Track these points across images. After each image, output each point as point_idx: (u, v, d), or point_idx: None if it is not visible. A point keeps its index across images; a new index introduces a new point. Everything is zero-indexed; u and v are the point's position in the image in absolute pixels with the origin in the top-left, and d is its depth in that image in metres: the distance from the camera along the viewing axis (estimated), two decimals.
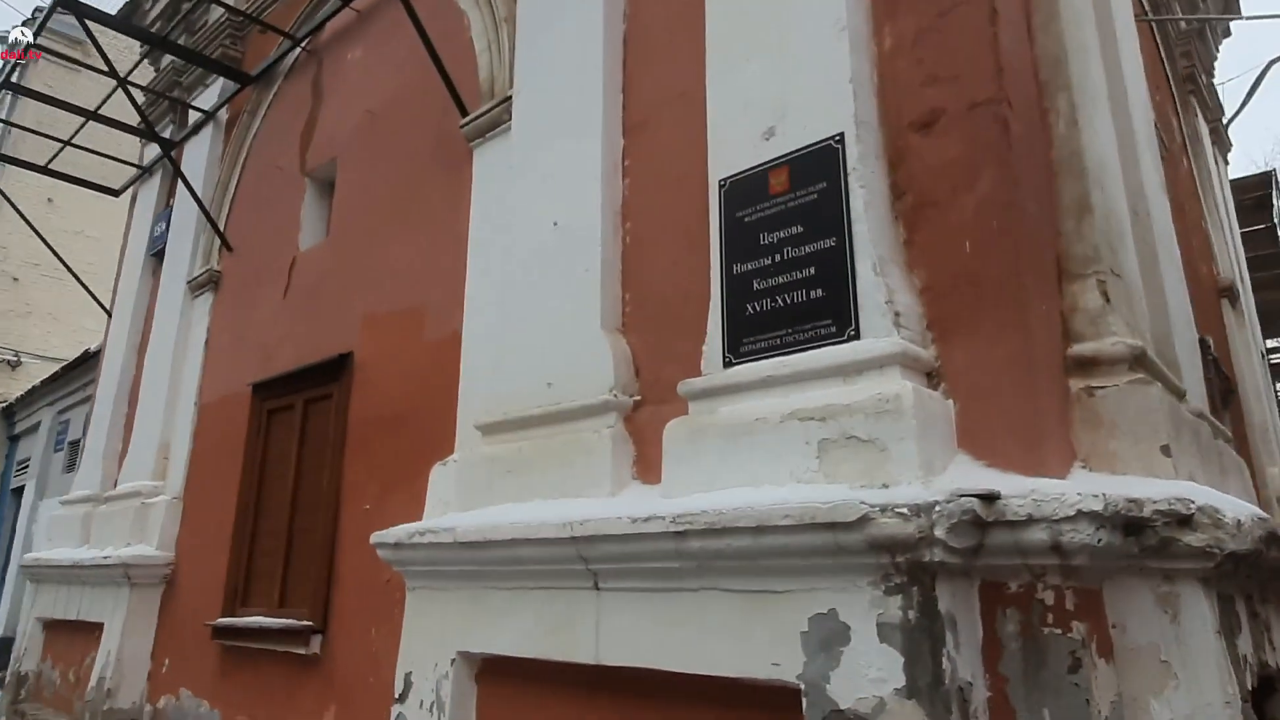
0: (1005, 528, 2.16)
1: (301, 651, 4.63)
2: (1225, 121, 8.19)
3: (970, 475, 2.36)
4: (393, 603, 3.97)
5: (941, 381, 2.52)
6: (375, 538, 3.64)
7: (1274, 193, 8.81)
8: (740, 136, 3.09)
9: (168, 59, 7.91)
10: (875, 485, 2.33)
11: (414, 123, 5.08)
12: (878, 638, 2.18)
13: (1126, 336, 2.56)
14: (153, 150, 8.23)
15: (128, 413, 7.39)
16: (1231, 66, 11.27)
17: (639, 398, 3.32)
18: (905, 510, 2.13)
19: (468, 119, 4.47)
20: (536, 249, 3.77)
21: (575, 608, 2.91)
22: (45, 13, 6.38)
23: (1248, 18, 6.71)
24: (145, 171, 8.31)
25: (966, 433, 2.45)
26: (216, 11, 7.34)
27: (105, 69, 6.45)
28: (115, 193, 8.64)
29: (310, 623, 4.62)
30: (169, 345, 6.76)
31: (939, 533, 2.11)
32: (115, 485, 6.92)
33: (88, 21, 6.18)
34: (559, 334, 3.53)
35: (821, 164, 2.81)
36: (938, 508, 2.12)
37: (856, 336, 2.59)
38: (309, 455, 5.16)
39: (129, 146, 9.05)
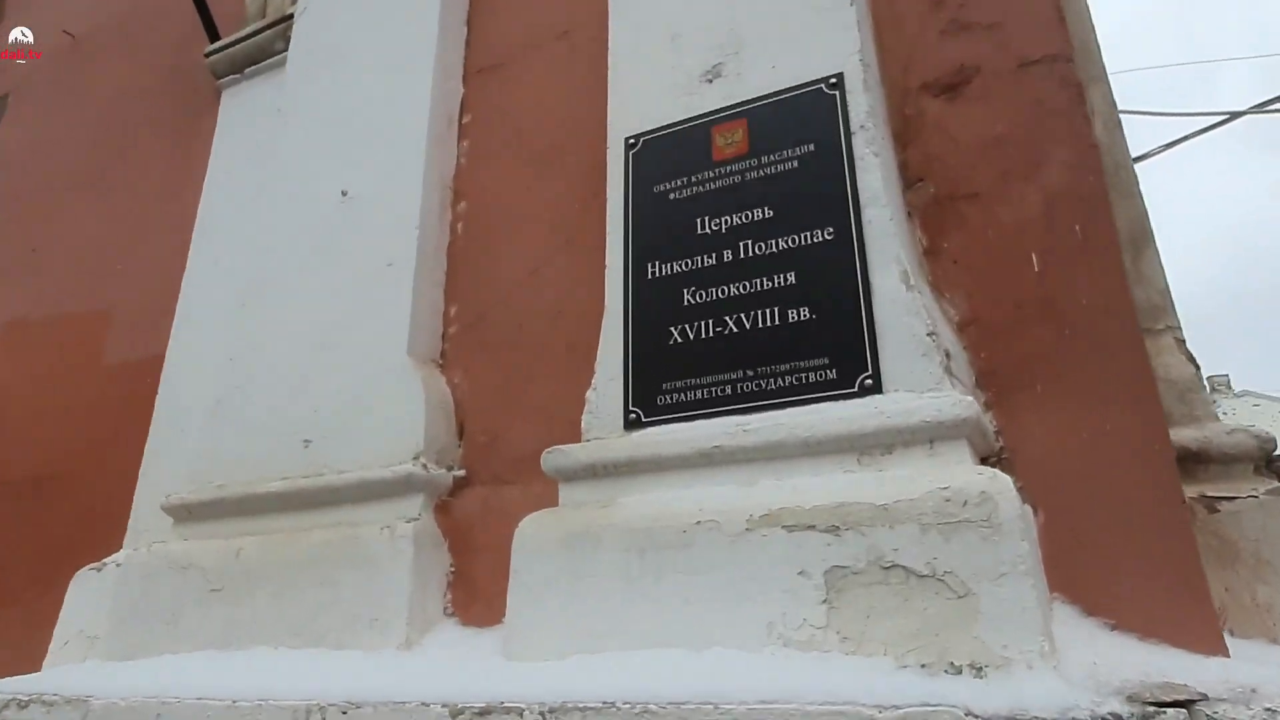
0: None
1: None
2: None
3: (1097, 646, 1.33)
4: None
5: (1007, 473, 1.50)
6: None
7: None
8: (664, 77, 2.01)
9: None
10: (950, 664, 1.23)
11: (133, 52, 3.51)
12: None
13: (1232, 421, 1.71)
14: None
15: None
16: None
17: (463, 472, 2.02)
18: None
19: (218, 46, 3.03)
20: (310, 231, 2.40)
21: None
22: None
23: None
24: None
25: (1059, 564, 1.43)
26: None
27: None
28: None
29: None
30: None
31: None
32: None
33: None
34: (335, 362, 2.16)
35: (807, 116, 1.78)
36: None
37: (876, 387, 1.52)
38: None
39: None
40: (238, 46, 2.97)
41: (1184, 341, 1.82)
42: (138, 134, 3.29)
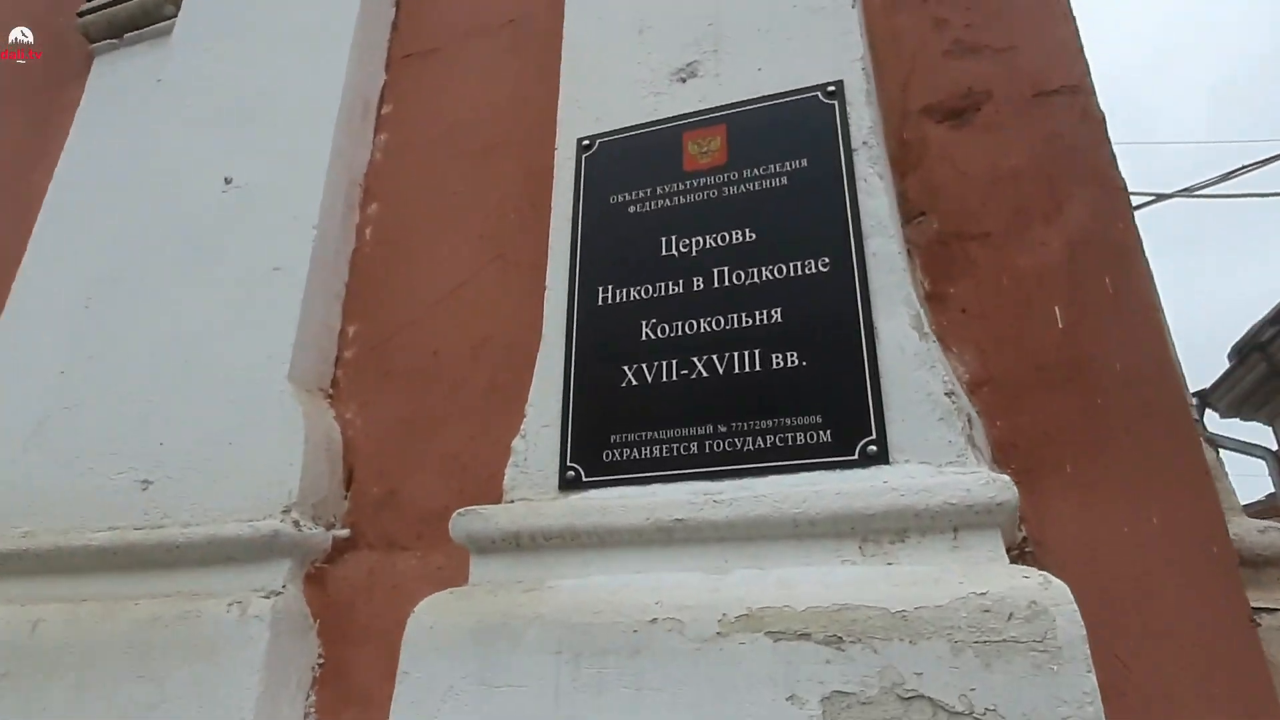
0: None
1: None
2: None
3: None
4: None
5: (1044, 571, 1.21)
6: None
7: None
8: (628, 73, 1.70)
9: None
10: None
11: None
12: None
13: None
14: None
15: None
16: None
17: (346, 532, 1.61)
18: None
19: (95, 5, 2.58)
20: (184, 222, 1.97)
21: None
22: None
23: None
24: None
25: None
26: None
27: None
28: None
29: None
30: None
31: None
32: None
33: None
34: (196, 383, 1.73)
35: (799, 126, 1.50)
36: None
37: (881, 455, 1.21)
38: None
39: None
40: (119, 7, 2.52)
41: (1202, 420, 1.60)
42: None
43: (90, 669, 1.43)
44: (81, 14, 2.59)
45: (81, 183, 2.34)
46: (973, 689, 0.99)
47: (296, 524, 1.51)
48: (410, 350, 1.77)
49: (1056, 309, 1.40)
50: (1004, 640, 1.00)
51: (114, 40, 2.56)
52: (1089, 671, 0.96)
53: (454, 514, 1.37)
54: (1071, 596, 1.01)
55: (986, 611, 1.02)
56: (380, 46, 2.19)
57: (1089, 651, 0.98)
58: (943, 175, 1.58)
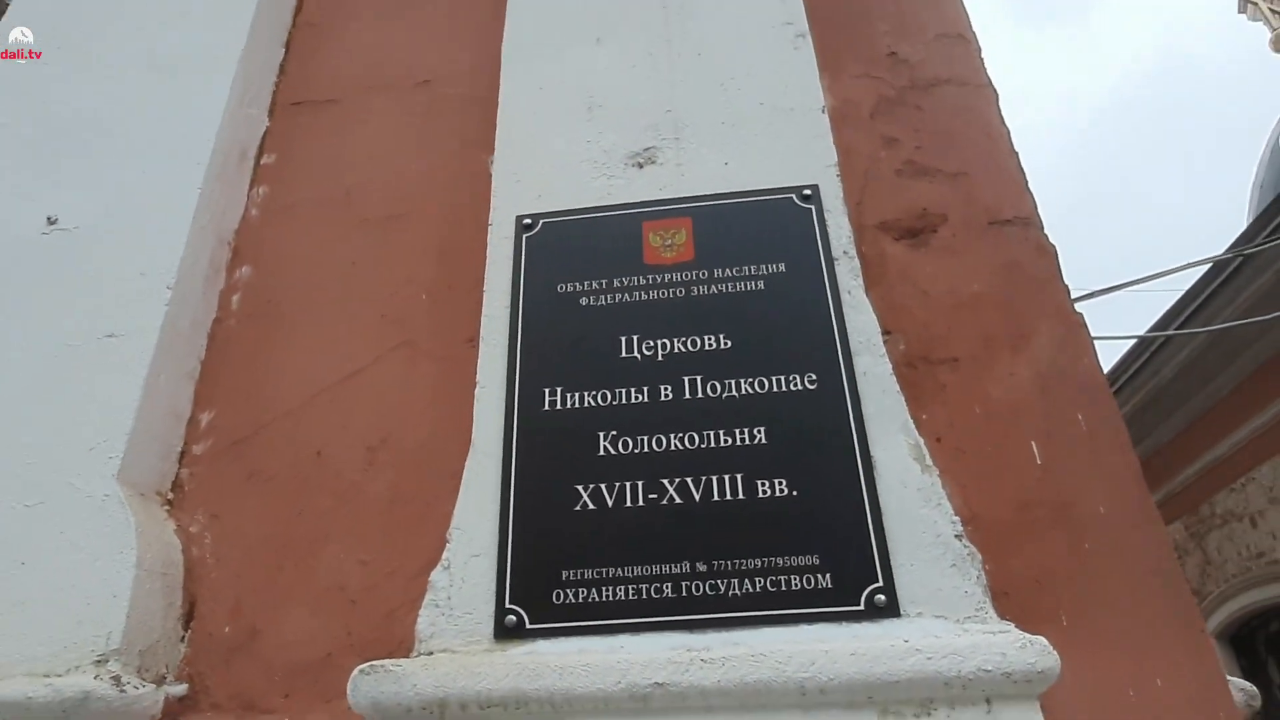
0: None
1: None
2: None
3: None
4: None
5: None
6: None
7: None
8: (576, 151, 1.53)
9: None
10: None
11: None
12: None
13: None
14: None
15: None
16: None
17: (183, 688, 1.22)
18: None
19: None
20: None
21: None
22: None
23: None
24: None
25: None
26: None
27: None
28: None
29: None
30: None
31: None
32: None
33: None
34: None
35: (774, 228, 1.39)
36: None
37: (891, 607, 1.05)
38: None
39: None
40: None
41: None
42: None
43: None
44: None
45: None
46: None
47: (116, 680, 1.11)
48: (284, 449, 1.43)
49: (1033, 444, 1.34)
50: None
51: None
52: None
53: (355, 673, 1.05)
54: None
55: None
56: (265, 88, 1.89)
57: None
58: (905, 294, 1.51)
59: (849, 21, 1.90)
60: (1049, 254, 1.54)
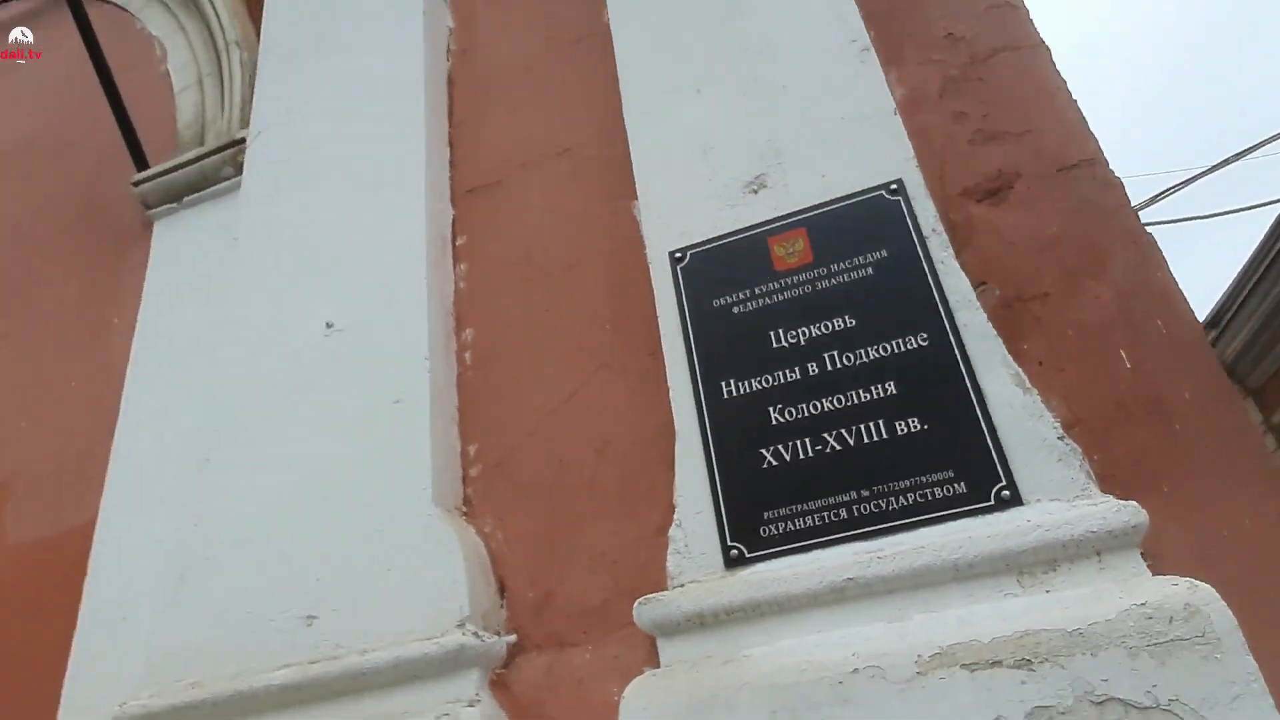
0: None
1: None
2: None
3: None
4: None
5: (1179, 576, 1.41)
6: None
7: None
8: (702, 189, 1.93)
9: None
10: None
11: (29, 186, 3.14)
12: None
13: None
14: None
15: None
16: None
17: (513, 638, 1.73)
18: None
19: (152, 173, 2.75)
20: (288, 370, 2.11)
21: None
22: None
23: None
24: None
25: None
26: None
27: None
28: None
29: None
30: None
31: None
32: None
33: None
34: (340, 519, 1.85)
35: (870, 224, 1.74)
36: None
37: (1016, 499, 1.41)
38: None
39: None
40: (177, 173, 2.69)
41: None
42: (37, 274, 2.89)
43: None
44: (136, 182, 2.75)
45: (165, 344, 2.46)
46: (1155, 685, 1.16)
47: (475, 634, 1.62)
48: (534, 462, 1.92)
49: (1122, 352, 1.64)
50: (1171, 640, 1.18)
51: (173, 205, 2.71)
52: (1247, 655, 1.15)
53: (636, 605, 1.51)
54: (1218, 595, 1.20)
55: (1150, 619, 1.20)
56: (444, 184, 2.39)
57: (1244, 639, 1.17)
58: (993, 248, 1.83)
59: (904, 13, 2.19)
60: (1115, 187, 1.81)
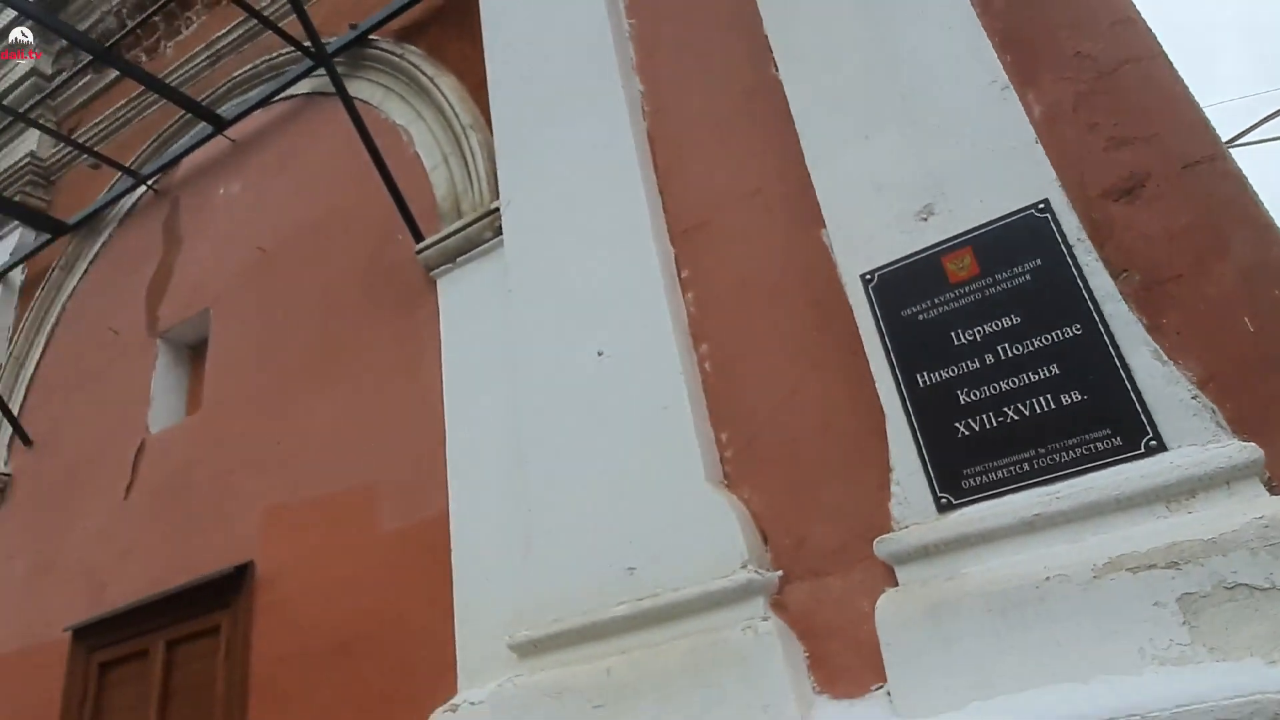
0: None
1: None
2: None
3: None
4: None
5: None
6: None
7: None
8: (881, 221, 2.46)
9: None
10: None
11: (326, 259, 4.04)
12: None
13: None
14: None
15: None
16: None
17: (780, 573, 2.39)
18: None
19: (429, 242, 3.54)
20: (573, 389, 2.83)
21: None
22: None
23: None
24: None
25: None
26: (19, 153, 5.96)
27: None
28: None
29: None
30: None
31: None
32: None
33: None
34: (638, 497, 2.56)
35: (1025, 238, 2.22)
36: None
37: (1162, 447, 1.90)
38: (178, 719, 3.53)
39: None
40: (449, 240, 3.47)
41: None
42: (352, 328, 3.78)
43: (663, 689, 2.24)
44: (420, 250, 3.56)
45: (468, 375, 3.26)
46: (1272, 573, 1.65)
47: (755, 572, 2.29)
48: (772, 444, 2.56)
49: (1245, 319, 2.06)
50: (1251, 553, 1.66)
51: (449, 265, 3.50)
52: None
53: (875, 542, 2.13)
54: None
55: (1267, 528, 1.69)
56: (663, 228, 3.02)
57: None
58: (1132, 240, 2.26)
59: (1037, 37, 2.59)
60: (1235, 176, 2.19)
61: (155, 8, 5.19)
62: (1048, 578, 1.86)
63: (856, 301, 2.43)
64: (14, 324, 5.52)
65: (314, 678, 3.20)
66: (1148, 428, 1.93)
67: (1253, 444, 1.80)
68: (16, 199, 5.76)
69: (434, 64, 4.03)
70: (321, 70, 4.06)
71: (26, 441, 4.92)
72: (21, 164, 6.02)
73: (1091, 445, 1.98)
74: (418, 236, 3.59)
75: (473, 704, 2.67)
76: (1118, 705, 1.62)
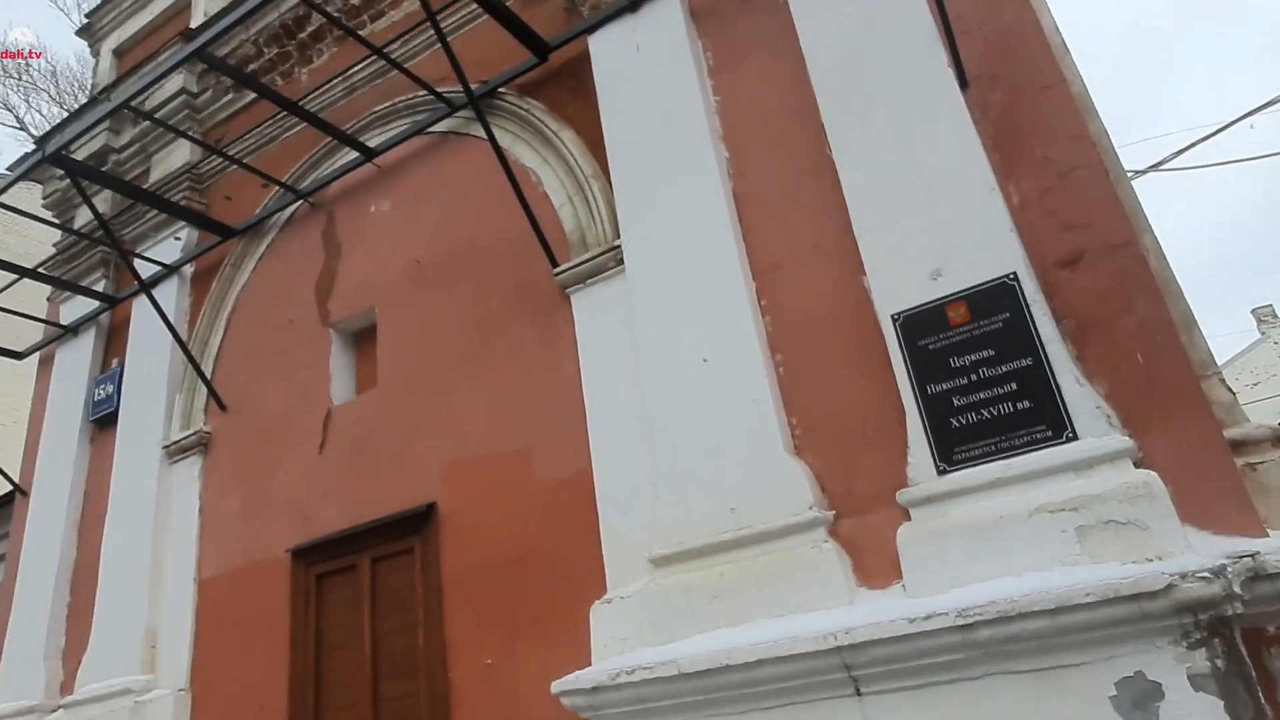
0: (1267, 580, 2.69)
1: None
2: None
3: (1209, 542, 2.89)
4: None
5: (1148, 469, 3.07)
6: (560, 685, 3.61)
7: None
8: (906, 278, 3.63)
9: (105, 207, 7.46)
10: (1144, 560, 2.80)
11: (474, 273, 5.23)
12: (1191, 688, 2.60)
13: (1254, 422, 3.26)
14: (74, 308, 7.61)
15: (71, 601, 6.53)
16: None
17: (834, 512, 3.63)
18: (1207, 574, 2.60)
19: (565, 267, 4.73)
20: (684, 384, 4.05)
21: (833, 718, 3.10)
22: (27, 164, 5.92)
23: None
24: (67, 331, 7.61)
25: (1184, 508, 2.99)
26: (178, 158, 7.16)
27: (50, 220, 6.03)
28: (19, 355, 7.81)
29: None
30: (146, 519, 6.12)
31: (1237, 589, 2.60)
32: (74, 688, 6.01)
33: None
34: (735, 461, 3.79)
35: (1000, 298, 3.39)
36: (1229, 569, 2.62)
37: (1075, 438, 3.11)
38: (386, 617, 4.90)
39: (22, 301, 8.24)
40: (580, 266, 4.66)
41: (1224, 379, 3.38)
42: (501, 327, 5.00)
43: (758, 584, 3.52)
44: (558, 273, 4.75)
45: (600, 370, 4.48)
46: (1130, 514, 2.87)
47: (819, 511, 3.54)
48: (827, 427, 3.78)
49: (1138, 354, 3.23)
50: (1139, 496, 2.87)
51: (580, 285, 4.70)
52: (1168, 501, 2.83)
53: (898, 493, 3.36)
54: (1159, 479, 2.87)
55: (1128, 486, 2.90)
56: (748, 267, 4.19)
57: (1166, 491, 2.85)
58: (1070, 296, 3.42)
59: (1016, 146, 3.70)
60: (1140, 256, 3.33)
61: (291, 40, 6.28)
62: (1001, 516, 3.09)
63: (888, 333, 3.61)
64: (191, 310, 6.78)
65: (494, 582, 4.53)
66: (1069, 425, 3.14)
67: (1126, 437, 3.01)
68: (182, 202, 6.95)
69: (555, 119, 5.14)
70: (457, 113, 5.23)
71: (221, 406, 6.23)
72: (180, 171, 7.19)
73: (1033, 435, 3.19)
74: (553, 262, 4.78)
75: (624, 598, 3.97)
76: (1037, 587, 2.86)
